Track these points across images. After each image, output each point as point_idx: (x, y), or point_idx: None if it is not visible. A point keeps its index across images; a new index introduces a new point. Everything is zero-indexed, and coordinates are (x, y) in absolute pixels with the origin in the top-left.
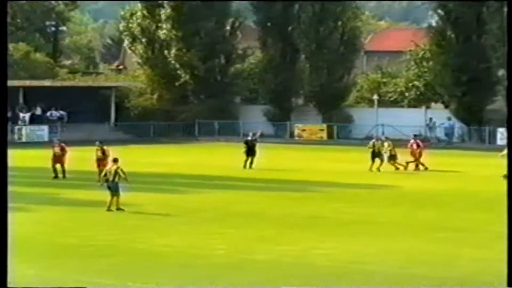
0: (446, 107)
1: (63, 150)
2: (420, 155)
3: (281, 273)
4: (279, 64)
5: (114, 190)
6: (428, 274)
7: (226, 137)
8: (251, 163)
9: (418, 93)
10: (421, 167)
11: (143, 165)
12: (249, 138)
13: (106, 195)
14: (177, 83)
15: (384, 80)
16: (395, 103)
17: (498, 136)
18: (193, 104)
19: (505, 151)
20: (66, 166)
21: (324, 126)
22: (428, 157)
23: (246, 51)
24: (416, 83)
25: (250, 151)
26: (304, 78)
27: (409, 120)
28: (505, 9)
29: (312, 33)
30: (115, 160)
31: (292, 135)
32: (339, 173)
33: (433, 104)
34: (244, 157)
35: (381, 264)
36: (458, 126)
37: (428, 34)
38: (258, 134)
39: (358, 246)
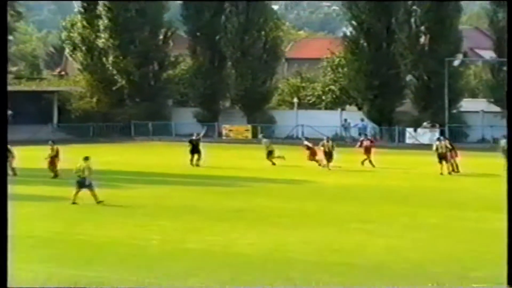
0: (360, 109)
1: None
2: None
3: (212, 261)
4: (207, 70)
5: (87, 185)
6: (342, 261)
7: (160, 137)
8: (198, 160)
9: (334, 96)
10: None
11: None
12: (194, 137)
13: (51, 190)
14: (114, 88)
15: (303, 84)
16: (313, 106)
17: (407, 135)
18: (129, 106)
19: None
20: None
21: (249, 126)
22: (343, 155)
23: (178, 58)
24: (332, 87)
25: (195, 149)
26: (231, 83)
27: (326, 121)
28: (412, 20)
29: (237, 41)
30: (86, 158)
31: (220, 135)
32: (263, 170)
33: (347, 107)
34: (189, 155)
35: (300, 252)
36: (371, 127)
37: (343, 43)
38: (202, 134)
39: (280, 237)
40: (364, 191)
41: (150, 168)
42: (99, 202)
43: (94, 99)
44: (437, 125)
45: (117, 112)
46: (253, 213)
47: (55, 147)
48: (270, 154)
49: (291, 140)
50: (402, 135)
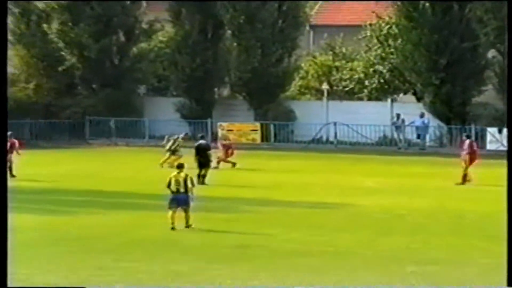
0: (419, 99)
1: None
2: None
3: None
4: (197, 42)
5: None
6: None
7: (127, 140)
8: (204, 176)
9: (381, 81)
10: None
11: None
12: (201, 142)
13: None
14: (60, 68)
15: (337, 63)
16: (351, 95)
17: (488, 138)
18: (82, 95)
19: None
20: None
21: (257, 125)
22: (395, 165)
23: (153, 25)
24: (379, 67)
25: (203, 159)
26: (231, 61)
27: (370, 117)
28: None
29: (240, 1)
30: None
31: (215, 136)
32: (277, 188)
33: (401, 96)
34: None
35: None
36: (435, 125)
37: (394, 3)
38: (181, 136)
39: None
40: (424, 216)
41: (114, 185)
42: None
43: (31, 85)
44: None
45: (64, 104)
46: (263, 249)
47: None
48: (173, 153)
49: (319, 145)
50: (481, 137)
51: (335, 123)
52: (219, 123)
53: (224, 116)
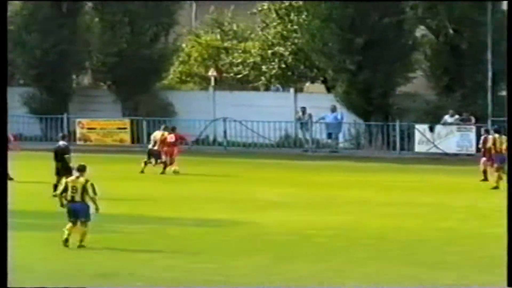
0: (330, 89)
1: None
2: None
3: None
4: (49, 18)
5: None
6: None
7: None
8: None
9: (283, 66)
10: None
11: None
12: (60, 143)
13: None
14: None
15: (226, 44)
16: (244, 83)
17: (417, 137)
18: None
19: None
20: None
21: (126, 121)
22: (305, 172)
23: None
24: (280, 49)
25: (63, 168)
26: (92, 42)
27: (268, 111)
28: None
29: None
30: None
31: (72, 136)
32: (151, 201)
33: (308, 85)
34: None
35: None
36: (350, 122)
37: None
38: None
39: None
40: (338, 237)
41: None
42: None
43: None
44: (473, 119)
45: None
46: (134, 279)
47: None
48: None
49: (205, 147)
50: (408, 137)
51: (224, 119)
52: (77, 120)
53: (84, 111)
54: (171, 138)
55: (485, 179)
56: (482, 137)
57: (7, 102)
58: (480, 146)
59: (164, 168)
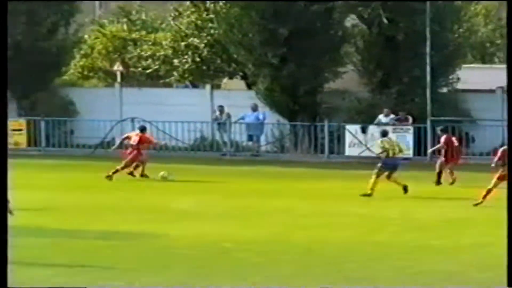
0: (250, 86)
1: None
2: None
3: None
4: None
5: None
6: None
7: None
8: None
9: (197, 59)
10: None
11: None
12: None
13: None
14: None
15: (134, 35)
16: (155, 79)
17: (348, 139)
18: None
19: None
20: None
21: (22, 122)
22: (222, 178)
23: None
24: (195, 40)
25: None
26: None
27: (181, 110)
28: None
29: None
30: None
31: None
32: (48, 211)
33: (226, 81)
34: None
35: None
36: (273, 122)
37: None
38: None
39: None
40: (259, 252)
41: None
42: None
43: None
44: (410, 119)
45: None
46: None
47: None
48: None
49: (110, 151)
50: (337, 139)
51: (132, 119)
52: None
53: None
54: (134, 140)
55: (439, 181)
56: (444, 137)
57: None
58: (440, 147)
59: (114, 172)
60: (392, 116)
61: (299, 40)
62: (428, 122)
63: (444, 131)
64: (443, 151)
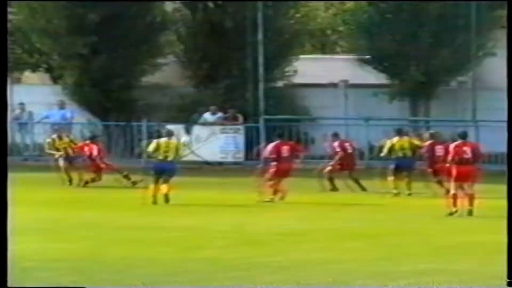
0: (56, 79)
1: None
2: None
3: None
4: None
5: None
6: None
7: None
8: None
9: None
10: None
11: None
12: None
13: None
14: None
15: None
16: None
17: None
18: None
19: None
20: None
21: None
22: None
23: None
24: None
25: None
26: None
27: None
28: None
29: None
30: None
31: None
32: None
33: (27, 74)
34: None
35: None
36: (83, 122)
37: None
38: None
39: None
40: None
41: None
42: None
43: None
44: (241, 117)
45: None
46: None
47: None
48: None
49: None
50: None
51: None
52: None
53: None
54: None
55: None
56: (338, 143)
57: (7, 103)
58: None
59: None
60: (220, 114)
61: (112, 27)
62: (261, 121)
63: (336, 135)
64: (337, 157)
